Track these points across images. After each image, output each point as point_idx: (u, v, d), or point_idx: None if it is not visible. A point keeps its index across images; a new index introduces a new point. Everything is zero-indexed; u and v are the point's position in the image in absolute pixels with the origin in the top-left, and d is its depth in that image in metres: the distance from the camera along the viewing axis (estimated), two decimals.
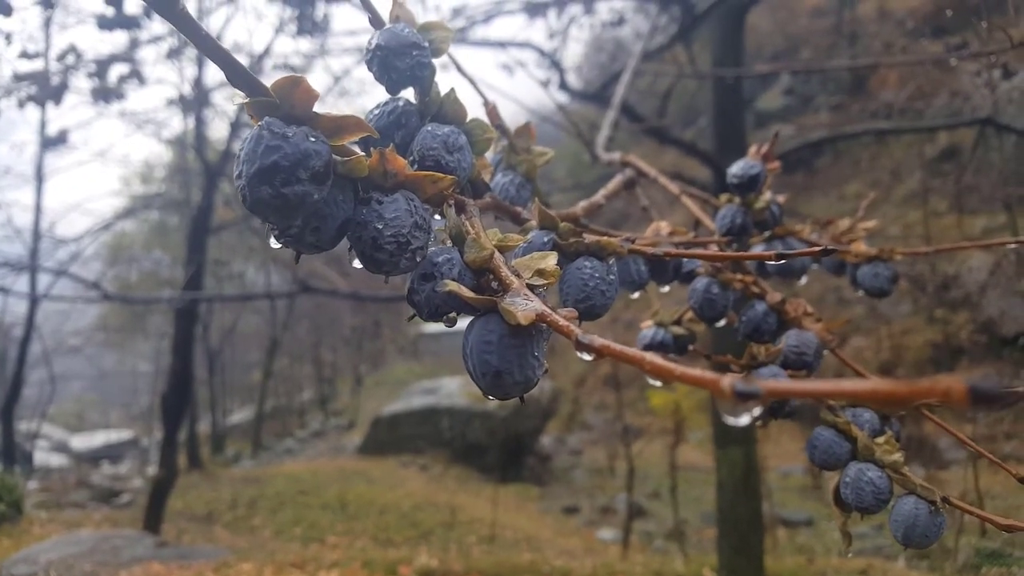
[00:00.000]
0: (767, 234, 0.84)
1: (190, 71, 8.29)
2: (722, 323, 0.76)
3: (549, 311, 0.38)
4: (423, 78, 0.55)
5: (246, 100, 0.38)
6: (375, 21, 0.54)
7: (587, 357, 0.36)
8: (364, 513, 11.69)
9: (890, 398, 0.24)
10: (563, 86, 3.25)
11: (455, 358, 20.49)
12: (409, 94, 0.56)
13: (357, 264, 0.43)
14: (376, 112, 0.56)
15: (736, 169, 0.79)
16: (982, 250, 14.72)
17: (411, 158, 0.54)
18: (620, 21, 3.45)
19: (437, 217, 0.49)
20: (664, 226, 0.75)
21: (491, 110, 0.66)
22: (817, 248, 0.50)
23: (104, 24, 2.63)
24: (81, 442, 20.70)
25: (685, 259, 0.78)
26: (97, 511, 12.43)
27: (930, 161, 14.89)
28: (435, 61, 0.56)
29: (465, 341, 0.43)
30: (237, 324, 19.01)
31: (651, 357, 0.30)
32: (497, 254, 0.45)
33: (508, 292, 0.42)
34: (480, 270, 0.45)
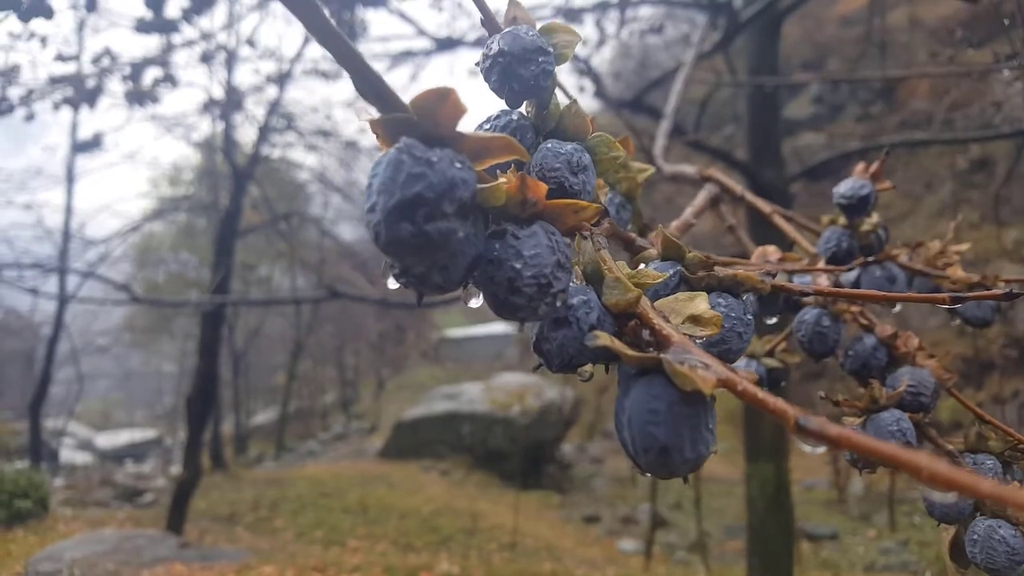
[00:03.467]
0: (869, 259, 0.78)
1: (221, 74, 8.36)
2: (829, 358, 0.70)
3: (736, 377, 0.32)
4: (545, 88, 0.49)
5: (376, 117, 0.32)
6: (489, 23, 0.48)
7: (812, 450, 0.30)
8: (385, 517, 11.66)
9: (970, 491, 0.18)
10: (599, 93, 3.19)
11: (477, 363, 20.45)
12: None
13: (475, 303, 0.37)
14: (487, 127, 0.50)
15: (844, 189, 0.72)
16: (1013, 262, 14.43)
17: None
18: (660, 28, 3.37)
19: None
20: (772, 251, 0.69)
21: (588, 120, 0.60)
22: (998, 292, 0.44)
23: (142, 28, 2.61)
24: (106, 441, 20.92)
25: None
26: (120, 510, 12.52)
27: (962, 172, 14.63)
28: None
29: (620, 407, 0.37)
30: (262, 327, 19.12)
31: (927, 462, 0.24)
32: (645, 297, 0.39)
33: (670, 347, 0.35)
34: (623, 315, 0.39)
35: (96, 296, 7.77)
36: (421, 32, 3.80)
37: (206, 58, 4.27)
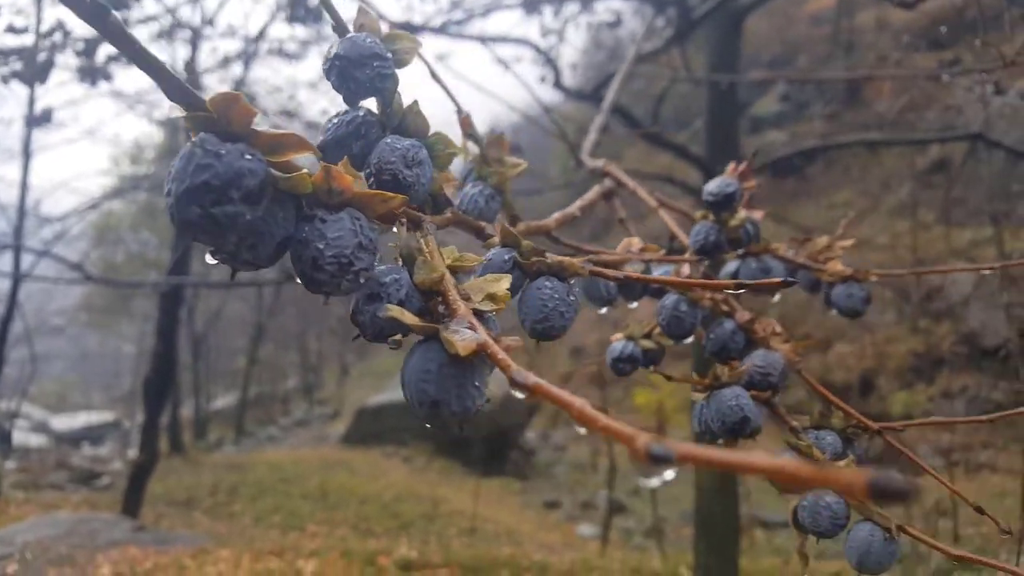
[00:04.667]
0: (741, 251, 0.83)
1: (184, 52, 8.22)
2: (690, 340, 0.76)
3: (491, 341, 0.38)
4: (384, 89, 0.53)
5: (184, 114, 0.36)
6: (339, 29, 0.53)
7: (519, 395, 0.35)
8: (345, 503, 11.67)
9: (791, 479, 0.23)
10: (557, 84, 3.23)
11: None
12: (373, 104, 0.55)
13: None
14: (335, 122, 0.55)
15: (712, 187, 0.78)
16: (967, 262, 14.83)
17: (368, 171, 0.52)
18: (617, 22, 3.41)
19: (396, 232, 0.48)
20: (636, 242, 0.75)
21: (464, 120, 0.65)
22: (777, 280, 0.49)
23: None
24: (62, 423, 20.55)
25: (655, 274, 0.77)
26: (76, 493, 12.36)
27: (920, 173, 14.98)
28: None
29: (404, 367, 0.42)
30: (223, 309, 18.90)
31: (580, 403, 0.29)
32: (448, 276, 0.44)
33: (453, 318, 0.40)
34: (429, 292, 0.44)
35: (50, 276, 7.63)
36: (380, 17, 3.79)
37: (162, 35, 4.22)
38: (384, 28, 0.54)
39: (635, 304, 0.76)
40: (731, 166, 0.81)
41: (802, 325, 14.15)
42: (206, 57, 8.42)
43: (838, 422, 0.78)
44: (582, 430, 0.30)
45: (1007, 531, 0.69)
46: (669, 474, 0.27)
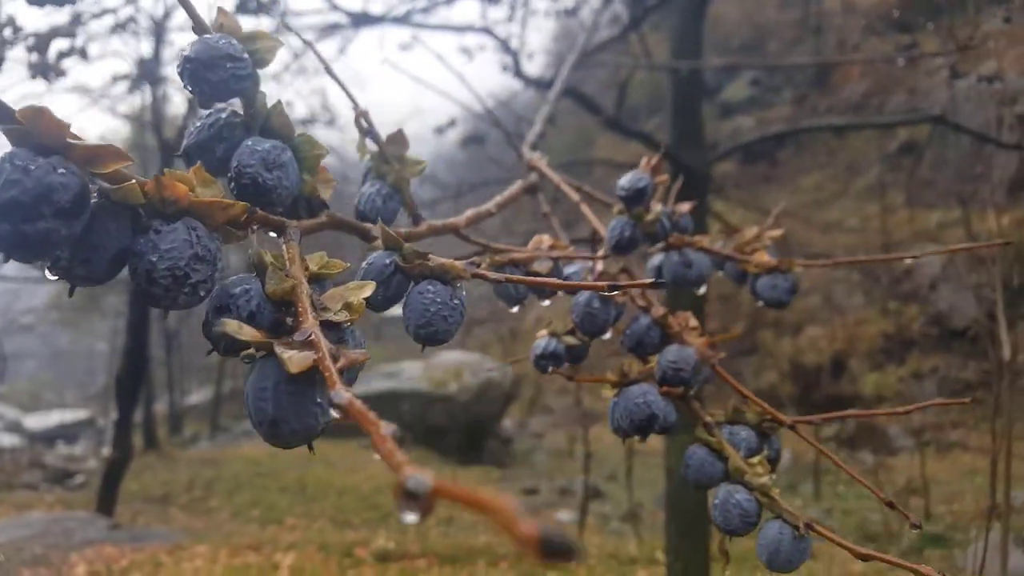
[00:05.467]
0: (662, 245, 0.83)
1: (146, 45, 8.06)
2: (607, 336, 0.76)
3: (325, 356, 0.37)
4: (242, 90, 0.52)
5: None
6: (198, 29, 0.51)
7: (334, 414, 0.35)
8: (323, 496, 11.64)
9: (510, 527, 0.23)
10: (518, 73, 3.19)
11: (399, 343, 20.45)
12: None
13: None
14: (197, 125, 0.53)
15: (624, 182, 0.78)
16: (936, 245, 15.07)
17: (229, 175, 0.51)
18: (575, 9, 3.37)
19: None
20: (545, 240, 0.74)
21: (359, 115, 0.64)
22: (647, 282, 0.49)
23: (34, 0, 2.51)
24: (35, 422, 20.26)
25: (567, 271, 0.77)
26: (50, 492, 12.20)
27: (889, 155, 15.17)
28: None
29: (245, 383, 0.41)
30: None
31: (382, 429, 0.29)
32: (303, 285, 0.42)
33: (297, 331, 0.39)
34: (281, 303, 0.43)
35: (11, 275, 7.48)
36: (335, 7, 3.75)
37: (119, 28, 4.13)
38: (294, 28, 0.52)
39: (547, 302, 0.76)
40: (644, 160, 0.80)
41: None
42: (169, 50, 8.26)
43: (752, 417, 0.78)
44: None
45: (916, 525, 0.70)
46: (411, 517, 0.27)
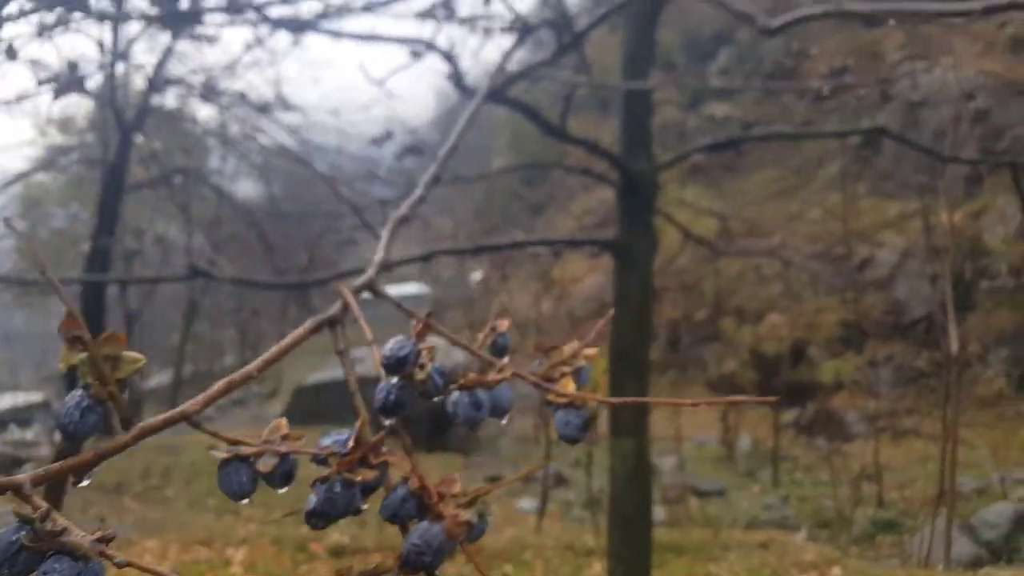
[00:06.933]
0: (456, 385, 0.77)
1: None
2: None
3: None
4: None
5: None
6: None
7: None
8: None
9: None
10: (459, 84, 3.09)
11: (387, 327, 20.18)
12: None
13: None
14: None
15: (386, 351, 0.73)
16: (896, 234, 15.32)
17: None
18: (515, 27, 3.23)
19: None
20: (283, 426, 0.70)
21: (65, 323, 0.57)
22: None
23: None
24: None
25: (323, 442, 0.73)
26: None
27: (852, 147, 15.33)
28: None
29: None
30: (157, 285, 18.34)
31: None
32: None
33: None
34: None
35: None
36: (264, 18, 3.61)
37: (45, 31, 3.94)
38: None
39: (284, 490, 0.71)
40: (413, 324, 0.75)
41: (736, 296, 14.45)
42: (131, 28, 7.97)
43: None
44: None
45: None
46: None
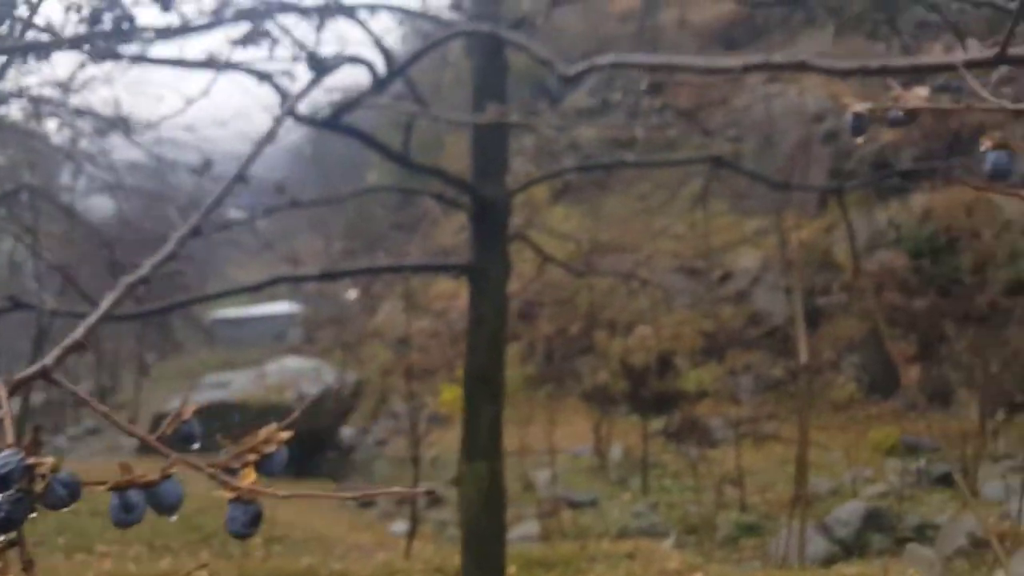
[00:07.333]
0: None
1: None
2: None
3: None
4: None
5: None
6: None
7: None
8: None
9: None
10: (289, 112, 3.00)
11: (258, 346, 19.41)
12: None
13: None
14: None
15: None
16: (753, 249, 16.32)
17: None
18: (339, 61, 3.17)
19: None
20: None
21: None
22: None
23: None
24: None
25: None
26: None
27: (710, 166, 16.19)
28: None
29: None
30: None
31: None
32: None
33: None
34: None
35: None
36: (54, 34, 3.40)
37: None
38: None
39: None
40: (24, 441, 0.73)
41: (608, 310, 14.91)
42: None
43: None
44: None
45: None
46: None
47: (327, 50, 2.79)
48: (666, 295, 13.33)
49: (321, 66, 2.59)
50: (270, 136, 1.62)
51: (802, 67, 1.43)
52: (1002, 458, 11.34)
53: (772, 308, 15.63)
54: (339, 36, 2.88)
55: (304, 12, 2.82)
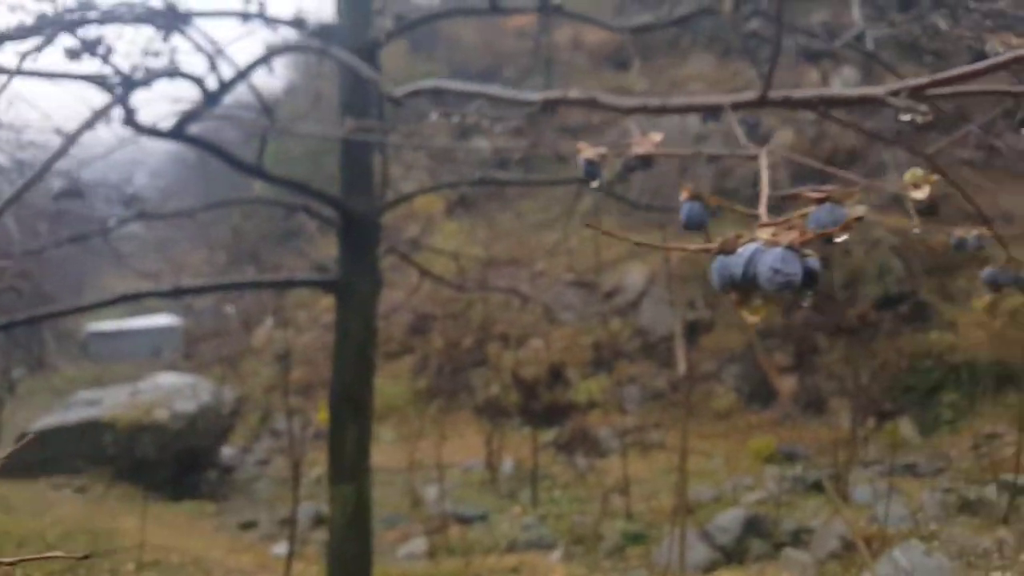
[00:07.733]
0: None
1: None
2: None
3: None
4: None
5: None
6: None
7: None
8: None
9: None
10: (129, 121, 2.86)
11: (133, 361, 18.28)
12: None
13: None
14: None
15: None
16: (641, 264, 16.85)
17: None
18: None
19: None
20: None
21: None
22: None
23: None
24: None
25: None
26: None
27: (607, 182, 16.61)
28: None
29: None
30: None
31: None
32: None
33: None
34: None
35: None
36: None
37: None
38: None
39: None
40: None
41: (499, 324, 15.02)
42: None
43: None
44: None
45: None
46: None
47: (159, 62, 2.69)
48: (547, 311, 13.55)
49: (130, 82, 2.48)
50: (68, 142, 1.53)
51: (593, 103, 1.49)
52: (872, 463, 11.99)
53: (657, 321, 16.15)
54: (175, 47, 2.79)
55: (140, 20, 2.69)
